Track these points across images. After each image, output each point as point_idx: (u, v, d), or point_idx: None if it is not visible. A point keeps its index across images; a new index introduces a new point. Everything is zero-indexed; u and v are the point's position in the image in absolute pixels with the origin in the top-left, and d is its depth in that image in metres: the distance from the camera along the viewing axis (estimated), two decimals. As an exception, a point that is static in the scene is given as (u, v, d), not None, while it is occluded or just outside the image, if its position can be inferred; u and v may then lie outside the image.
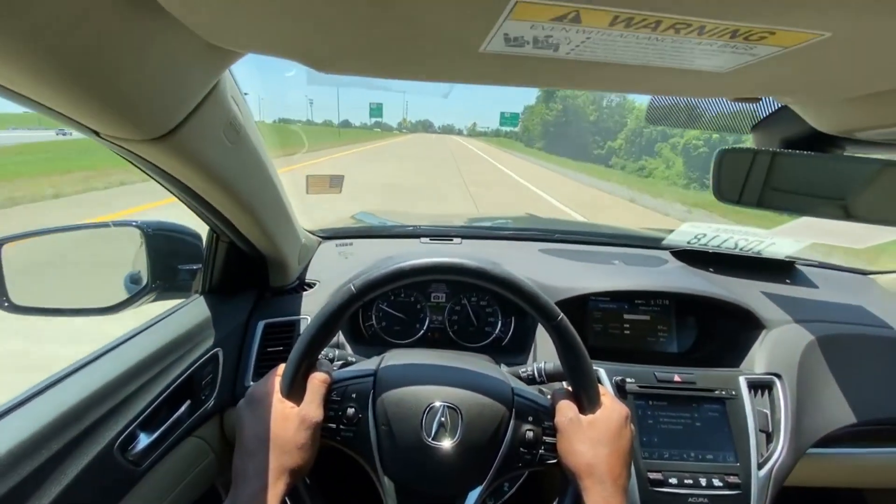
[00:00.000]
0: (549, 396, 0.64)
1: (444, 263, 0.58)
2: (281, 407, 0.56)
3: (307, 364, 0.58)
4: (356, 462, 0.60)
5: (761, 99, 0.61)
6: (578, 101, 57.69)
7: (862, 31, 0.30)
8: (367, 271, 0.59)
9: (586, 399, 0.59)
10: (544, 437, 0.60)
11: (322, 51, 0.40)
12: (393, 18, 0.32)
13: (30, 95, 0.37)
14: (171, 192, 0.65)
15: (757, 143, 0.76)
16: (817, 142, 0.66)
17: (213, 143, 0.56)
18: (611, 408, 0.59)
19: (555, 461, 0.60)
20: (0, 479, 0.46)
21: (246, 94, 0.62)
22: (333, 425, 0.59)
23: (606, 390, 0.63)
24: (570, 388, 0.62)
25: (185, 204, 0.70)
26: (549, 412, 0.62)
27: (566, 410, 0.59)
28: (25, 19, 0.29)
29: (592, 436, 0.57)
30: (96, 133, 0.45)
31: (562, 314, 0.58)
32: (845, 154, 0.71)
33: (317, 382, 0.58)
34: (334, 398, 0.60)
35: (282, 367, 0.59)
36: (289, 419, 0.55)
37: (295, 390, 0.57)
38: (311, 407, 0.56)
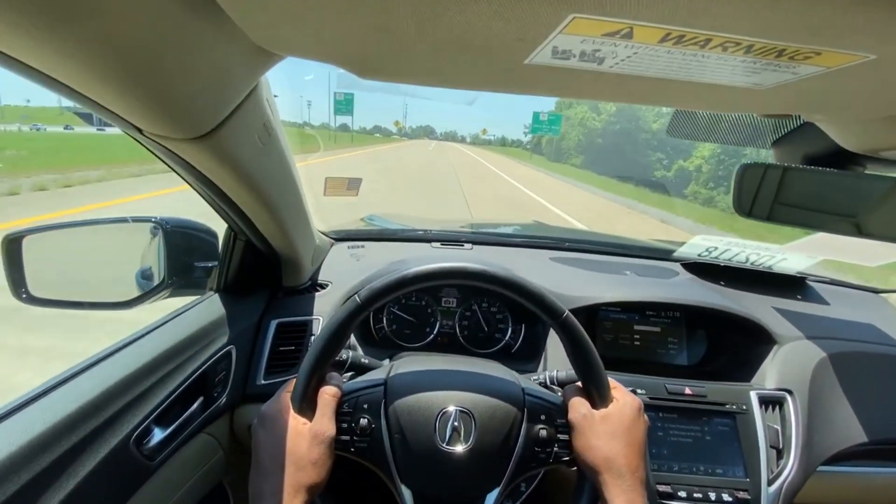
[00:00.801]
0: (559, 394, 0.65)
1: (445, 268, 0.58)
2: (294, 423, 0.56)
3: (317, 378, 0.58)
4: (371, 473, 0.60)
5: (792, 115, 0.62)
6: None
7: None
8: (377, 276, 0.60)
9: (597, 394, 0.59)
10: (558, 435, 0.60)
11: (367, 58, 0.40)
12: (442, 32, 0.32)
13: (83, 91, 0.37)
14: (196, 191, 0.66)
15: (777, 158, 0.76)
16: (839, 158, 0.66)
17: (247, 144, 0.57)
18: (623, 400, 0.59)
19: (570, 458, 0.59)
20: (20, 469, 0.47)
21: (276, 95, 0.63)
22: (347, 437, 0.59)
23: (617, 384, 0.62)
24: (580, 385, 0.62)
25: (209, 202, 0.71)
26: (562, 410, 0.62)
27: (579, 406, 0.59)
28: (86, 16, 0.30)
29: (607, 430, 0.57)
30: (139, 130, 0.46)
31: (567, 311, 0.59)
32: (857, 171, 0.71)
33: (327, 397, 0.58)
34: (346, 410, 0.60)
35: (292, 383, 0.59)
36: (301, 435, 0.55)
37: (306, 405, 0.57)
38: (323, 421, 0.56)
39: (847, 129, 0.60)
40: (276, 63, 0.47)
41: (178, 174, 0.60)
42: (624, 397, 0.60)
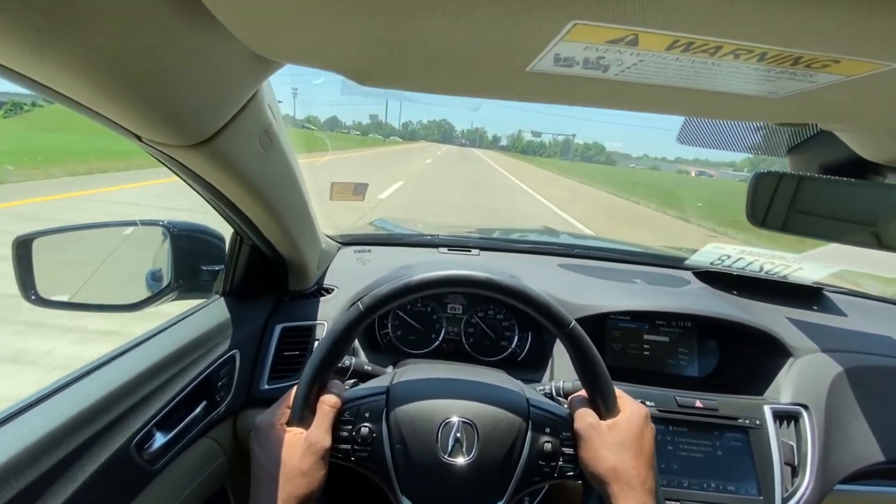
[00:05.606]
0: (565, 406, 0.63)
1: (450, 276, 0.57)
2: (287, 435, 0.55)
3: (318, 386, 0.57)
4: (371, 482, 0.59)
5: (808, 124, 0.60)
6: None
7: None
8: (382, 281, 0.59)
9: (603, 404, 0.58)
10: (563, 449, 0.59)
11: (366, 66, 0.40)
12: (440, 41, 0.32)
13: (78, 99, 0.38)
14: (201, 196, 0.66)
15: (793, 167, 0.74)
16: (858, 167, 0.64)
17: (248, 150, 0.57)
18: (629, 409, 0.58)
19: (574, 473, 0.58)
20: (20, 473, 0.47)
21: (280, 101, 0.63)
22: (347, 446, 0.58)
23: (622, 393, 0.61)
24: (586, 396, 0.61)
25: (214, 207, 0.71)
26: (567, 422, 0.60)
27: (585, 416, 0.58)
28: (82, 26, 0.30)
29: (615, 440, 0.55)
30: (137, 137, 0.46)
31: (573, 321, 0.57)
32: (877, 181, 0.69)
33: (326, 407, 0.57)
34: (347, 418, 0.59)
35: (291, 394, 0.58)
36: (294, 446, 0.54)
37: (307, 413, 0.56)
38: (319, 432, 0.55)
39: (867, 138, 0.58)
40: (275, 70, 0.47)
41: (182, 178, 0.60)
42: (630, 406, 0.59)
